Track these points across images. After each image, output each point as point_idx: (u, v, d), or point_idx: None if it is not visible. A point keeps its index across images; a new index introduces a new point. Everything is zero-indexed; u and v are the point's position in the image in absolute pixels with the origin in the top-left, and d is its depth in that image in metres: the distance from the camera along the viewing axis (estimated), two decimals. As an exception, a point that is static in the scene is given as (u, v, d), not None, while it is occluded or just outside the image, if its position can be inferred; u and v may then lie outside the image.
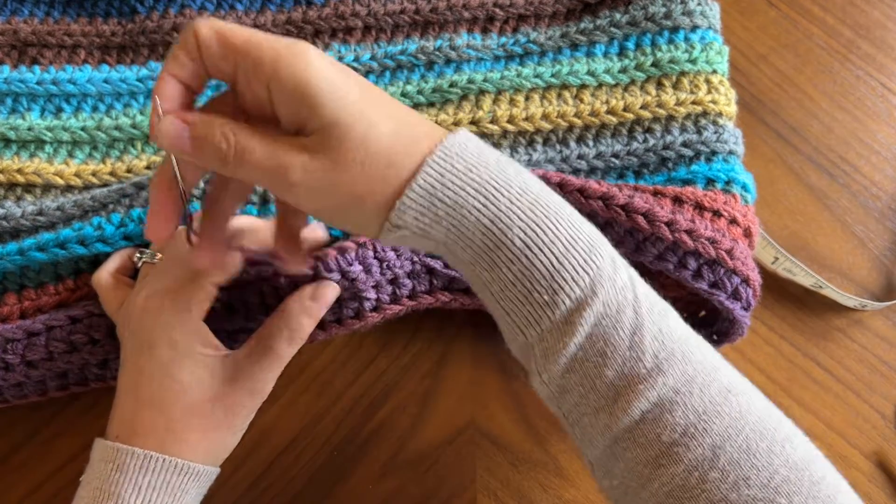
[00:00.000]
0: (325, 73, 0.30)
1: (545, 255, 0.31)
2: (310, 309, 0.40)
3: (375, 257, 0.43)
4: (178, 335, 0.37)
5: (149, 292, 0.38)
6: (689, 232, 0.41)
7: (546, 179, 0.42)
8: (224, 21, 0.32)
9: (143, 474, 0.35)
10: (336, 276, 0.42)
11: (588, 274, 0.31)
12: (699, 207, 0.43)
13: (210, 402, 0.37)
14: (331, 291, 0.41)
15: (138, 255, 0.43)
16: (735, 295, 0.42)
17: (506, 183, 0.32)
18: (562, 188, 0.42)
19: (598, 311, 0.31)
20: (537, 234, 0.31)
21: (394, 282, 0.45)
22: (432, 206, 0.31)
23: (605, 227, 0.42)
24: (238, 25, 0.31)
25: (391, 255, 0.43)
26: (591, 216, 0.41)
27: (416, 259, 0.45)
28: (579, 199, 0.42)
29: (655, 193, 0.44)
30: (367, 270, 0.42)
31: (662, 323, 0.32)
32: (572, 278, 0.31)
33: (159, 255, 0.42)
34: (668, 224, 0.41)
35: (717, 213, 0.43)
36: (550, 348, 0.32)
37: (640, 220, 0.41)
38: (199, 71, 0.32)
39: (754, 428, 0.31)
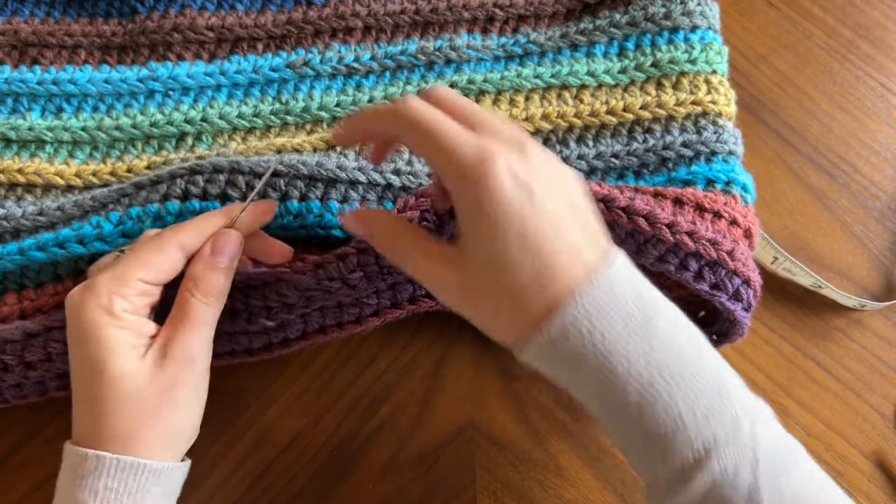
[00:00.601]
0: (497, 207, 0.32)
1: (658, 424, 0.32)
2: (213, 263, 0.38)
3: (377, 263, 0.43)
4: (103, 332, 0.36)
5: (75, 290, 0.37)
6: (690, 234, 0.41)
7: None
8: (429, 112, 0.34)
9: (96, 477, 0.35)
10: (337, 284, 0.42)
11: (702, 443, 0.32)
12: (700, 209, 0.43)
13: (144, 387, 0.36)
14: (229, 238, 0.39)
15: (116, 254, 0.41)
16: (736, 296, 0.42)
17: (625, 349, 0.32)
18: None
19: (714, 478, 0.31)
20: (651, 405, 0.32)
21: (394, 286, 0.45)
22: (553, 354, 0.33)
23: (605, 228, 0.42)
24: (436, 119, 0.34)
25: None
26: None
27: None
28: None
29: (656, 195, 0.44)
30: (369, 277, 0.42)
31: (783, 477, 0.32)
32: (684, 446, 0.32)
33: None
34: (670, 226, 0.41)
35: (717, 215, 0.43)
36: (664, 496, 0.33)
37: (642, 222, 0.41)
38: (385, 138, 0.39)
39: None
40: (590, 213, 0.36)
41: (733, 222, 0.43)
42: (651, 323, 0.33)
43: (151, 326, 0.38)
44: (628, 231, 0.42)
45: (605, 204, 0.42)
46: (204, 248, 0.39)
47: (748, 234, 0.44)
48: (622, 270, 0.34)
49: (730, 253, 0.41)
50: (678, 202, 0.43)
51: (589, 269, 0.33)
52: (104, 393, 0.36)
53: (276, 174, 0.45)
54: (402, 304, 0.46)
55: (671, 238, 0.41)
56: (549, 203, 0.33)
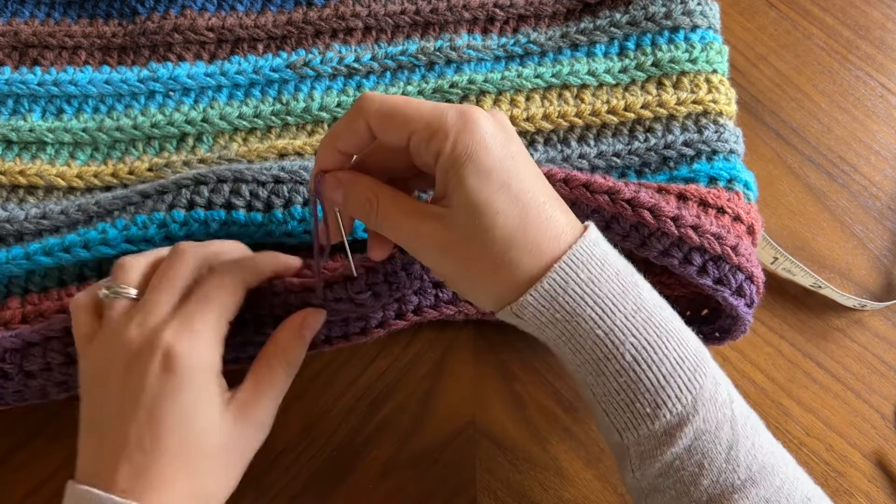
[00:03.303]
0: (482, 156, 0.33)
1: (653, 371, 0.33)
2: (300, 335, 0.40)
3: (386, 281, 0.42)
4: (201, 379, 0.36)
5: (170, 333, 0.36)
6: (694, 227, 0.41)
7: (551, 176, 0.42)
8: (388, 97, 0.35)
9: None
10: (345, 304, 0.41)
11: (691, 392, 0.34)
12: (703, 204, 0.43)
13: (225, 446, 0.36)
14: (319, 317, 0.41)
15: (106, 290, 0.39)
16: (739, 292, 0.41)
17: (622, 297, 0.34)
18: (567, 184, 0.41)
19: (698, 427, 0.34)
20: (647, 352, 0.33)
21: (400, 299, 0.44)
22: (552, 308, 0.34)
23: (610, 221, 0.42)
24: (405, 98, 0.34)
25: (402, 275, 0.42)
26: (596, 211, 0.42)
27: (425, 277, 0.44)
28: (585, 194, 0.41)
29: (660, 190, 0.44)
30: (377, 295, 0.42)
31: (755, 437, 0.35)
32: (676, 396, 0.33)
33: (132, 291, 0.39)
34: (674, 219, 0.41)
35: (721, 210, 0.43)
36: (647, 452, 0.34)
37: (647, 214, 0.41)
38: (362, 144, 0.36)
39: None
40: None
41: (737, 218, 0.43)
42: (638, 282, 0.35)
43: (223, 381, 0.38)
44: (633, 224, 0.41)
45: (609, 196, 0.41)
46: (294, 319, 0.40)
47: (751, 231, 0.44)
48: (601, 235, 0.36)
49: (734, 248, 0.41)
50: (682, 197, 0.43)
51: (577, 227, 0.35)
52: (186, 443, 0.35)
53: (278, 180, 0.45)
54: (405, 316, 0.46)
55: (676, 231, 0.40)
56: (529, 164, 0.35)
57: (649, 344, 0.34)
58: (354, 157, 0.38)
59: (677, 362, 0.34)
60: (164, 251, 0.42)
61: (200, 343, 0.36)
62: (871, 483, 0.47)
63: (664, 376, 0.33)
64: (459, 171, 0.33)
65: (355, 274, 0.41)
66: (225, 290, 0.38)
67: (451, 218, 0.34)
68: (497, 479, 0.46)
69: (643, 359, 0.33)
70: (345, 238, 0.39)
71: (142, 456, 0.34)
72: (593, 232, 0.35)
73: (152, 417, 0.35)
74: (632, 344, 0.33)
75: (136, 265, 0.40)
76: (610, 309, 0.34)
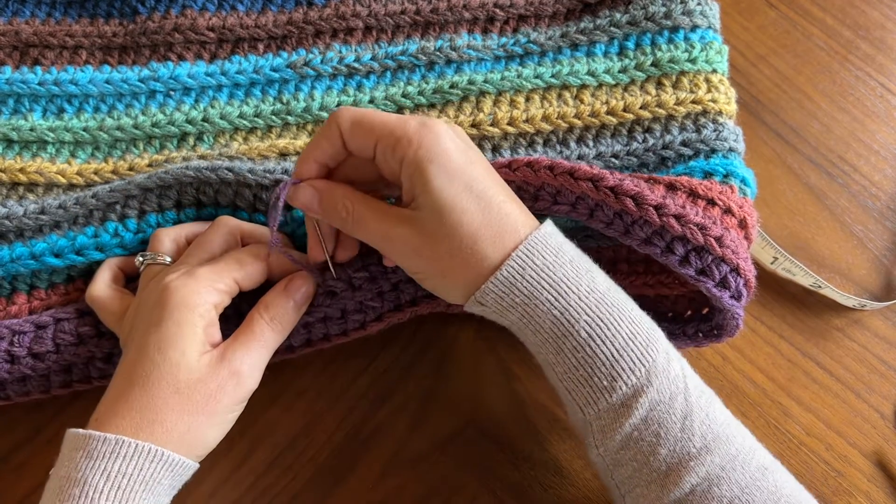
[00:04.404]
0: (444, 161, 0.36)
1: (606, 346, 0.36)
2: (286, 294, 0.41)
3: (380, 262, 0.43)
4: (187, 314, 0.38)
5: (174, 276, 0.39)
6: (677, 217, 0.40)
7: (536, 163, 0.42)
8: (359, 109, 0.38)
9: (112, 460, 0.35)
10: (342, 284, 0.42)
11: (644, 365, 0.36)
12: (693, 195, 0.42)
13: (193, 384, 0.37)
14: (305, 280, 0.42)
15: (141, 258, 0.43)
16: (723, 283, 0.40)
17: (576, 280, 0.37)
18: (552, 171, 0.42)
19: (653, 398, 0.36)
20: (601, 328, 0.36)
21: (397, 286, 0.45)
22: (511, 293, 0.37)
23: (594, 209, 0.42)
24: (374, 111, 0.38)
25: None
26: (581, 199, 0.42)
27: None
28: (569, 180, 0.41)
29: (649, 180, 0.43)
30: (373, 277, 0.42)
31: (709, 408, 0.37)
32: (630, 368, 0.36)
33: (167, 258, 0.43)
34: (657, 207, 0.40)
35: (711, 202, 0.42)
36: (607, 426, 0.37)
37: (629, 202, 0.40)
38: (337, 154, 0.39)
39: (789, 501, 0.36)
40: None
41: (727, 211, 0.42)
42: (591, 269, 0.39)
43: (219, 334, 0.39)
44: (616, 211, 0.41)
45: (593, 183, 0.41)
46: (281, 282, 0.42)
47: (743, 225, 0.43)
48: (556, 229, 0.39)
49: (718, 239, 0.40)
50: (671, 187, 0.43)
51: (533, 222, 0.38)
52: (155, 372, 0.37)
53: (279, 183, 0.45)
54: (403, 308, 0.46)
55: (657, 220, 0.40)
56: (487, 167, 0.39)
57: (602, 321, 0.36)
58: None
59: (629, 338, 0.36)
60: (197, 225, 0.45)
61: (195, 284, 0.39)
62: (871, 483, 0.47)
63: (618, 350, 0.36)
64: (424, 175, 0.36)
65: (335, 275, 0.42)
66: (241, 258, 0.41)
67: (420, 219, 0.37)
68: (497, 478, 0.46)
69: (597, 335, 0.36)
70: (326, 251, 0.42)
71: (122, 383, 0.37)
72: (548, 225, 0.39)
73: (139, 347, 0.38)
74: (586, 321, 0.36)
75: (171, 235, 0.44)
76: (564, 291, 0.37)
